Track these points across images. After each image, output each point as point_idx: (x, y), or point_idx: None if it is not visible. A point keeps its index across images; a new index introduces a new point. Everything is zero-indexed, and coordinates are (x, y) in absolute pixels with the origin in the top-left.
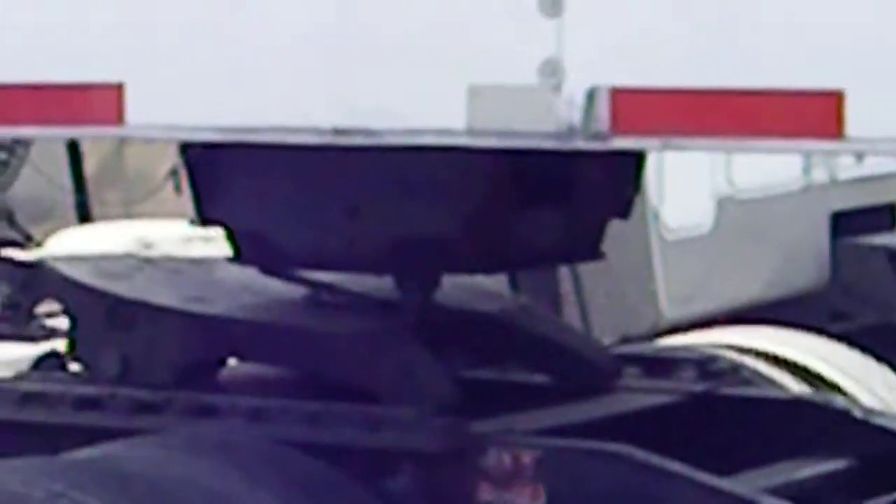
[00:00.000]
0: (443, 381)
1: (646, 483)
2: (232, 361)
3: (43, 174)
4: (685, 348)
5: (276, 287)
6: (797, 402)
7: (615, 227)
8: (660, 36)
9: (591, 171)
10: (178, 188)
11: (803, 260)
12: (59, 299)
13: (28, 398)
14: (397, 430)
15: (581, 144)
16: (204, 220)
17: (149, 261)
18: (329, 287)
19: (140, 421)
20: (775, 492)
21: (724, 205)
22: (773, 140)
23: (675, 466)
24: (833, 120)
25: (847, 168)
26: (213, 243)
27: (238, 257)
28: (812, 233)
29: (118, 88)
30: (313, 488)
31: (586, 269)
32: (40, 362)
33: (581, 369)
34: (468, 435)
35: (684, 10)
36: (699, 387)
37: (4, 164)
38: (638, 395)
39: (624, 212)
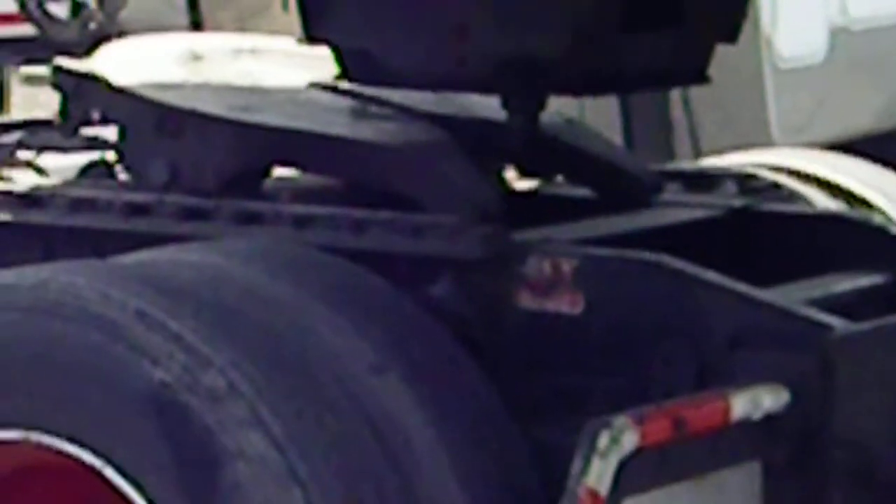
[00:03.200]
0: (486, 191)
1: (684, 292)
2: (278, 171)
3: None
4: (726, 167)
5: (325, 99)
6: (835, 218)
7: (728, 54)
8: None
9: None
10: (285, 6)
11: None
12: (108, 108)
13: (77, 204)
14: (439, 238)
15: None
16: (311, 38)
17: (197, 72)
18: (378, 101)
19: (188, 227)
20: (813, 304)
21: (837, 35)
22: None
23: (713, 276)
24: None
25: None
26: (262, 56)
27: (345, 76)
28: None
29: None
30: (359, 294)
31: (698, 96)
32: (88, 170)
33: (623, 183)
34: (508, 242)
35: None
36: (739, 202)
37: None
38: (678, 209)
39: (732, 35)
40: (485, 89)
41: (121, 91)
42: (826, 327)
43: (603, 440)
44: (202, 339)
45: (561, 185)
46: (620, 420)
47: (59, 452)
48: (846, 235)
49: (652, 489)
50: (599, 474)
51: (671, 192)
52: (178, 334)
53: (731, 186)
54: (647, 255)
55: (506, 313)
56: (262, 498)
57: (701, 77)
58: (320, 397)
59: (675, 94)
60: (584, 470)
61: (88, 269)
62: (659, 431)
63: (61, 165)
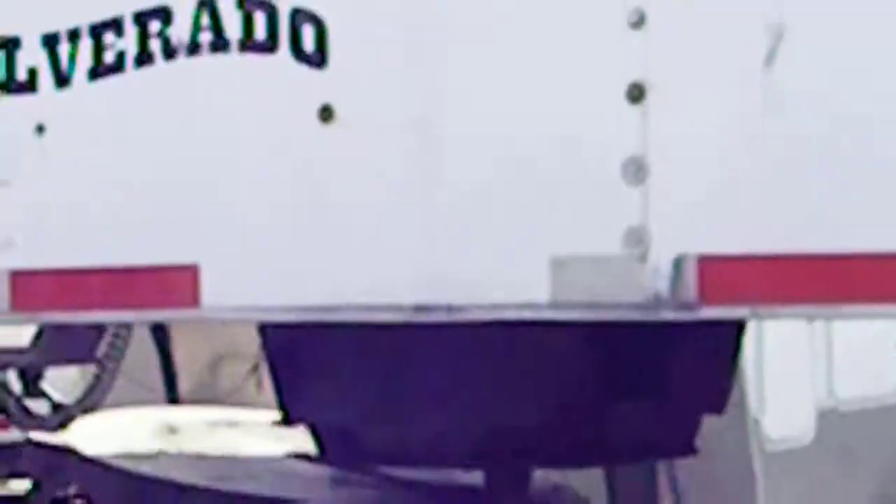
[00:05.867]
0: None
1: None
2: None
3: (134, 381)
4: None
5: (304, 468)
6: None
7: (716, 434)
8: (747, 200)
9: (684, 362)
10: (258, 385)
11: None
12: (80, 481)
13: None
14: None
15: (668, 315)
16: (288, 418)
17: (173, 444)
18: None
19: None
20: None
21: (825, 416)
22: (871, 306)
23: None
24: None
25: None
26: (239, 428)
27: (323, 455)
28: None
29: (193, 270)
30: None
31: (686, 474)
32: None
33: None
34: None
35: (771, 173)
36: None
37: (97, 378)
38: None
39: (718, 407)
40: (467, 463)
41: (92, 462)
42: None
43: None
44: None
45: None
46: None
47: None
48: None
49: None
50: None
51: None
52: None
53: None
54: None
55: None
56: None
57: (688, 450)
58: None
59: (662, 467)
60: None
61: None
62: None
63: None
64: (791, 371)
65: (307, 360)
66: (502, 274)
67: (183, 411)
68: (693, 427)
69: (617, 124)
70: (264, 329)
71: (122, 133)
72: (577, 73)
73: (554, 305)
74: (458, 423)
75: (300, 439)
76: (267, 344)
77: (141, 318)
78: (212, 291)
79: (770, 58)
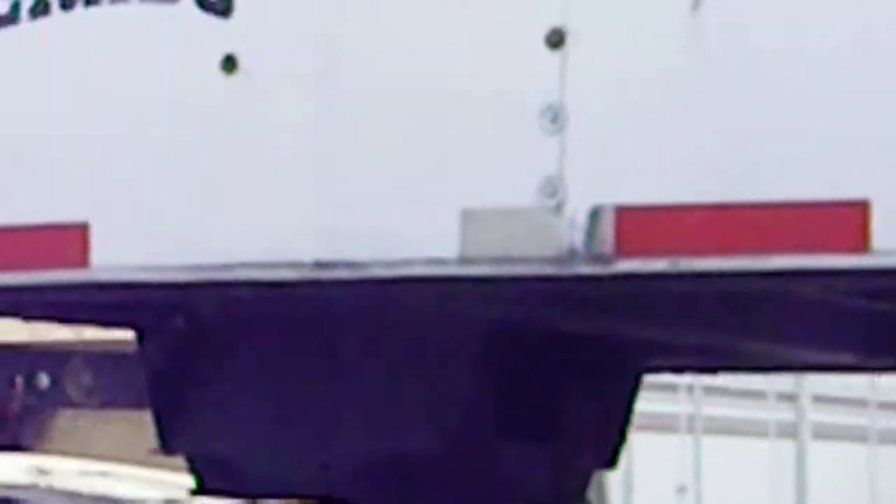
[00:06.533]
0: None
1: None
2: None
3: None
4: None
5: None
6: None
7: None
8: (667, 150)
9: (578, 411)
10: None
11: None
12: None
13: None
14: None
15: (583, 269)
16: (165, 449)
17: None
18: None
19: None
20: None
21: None
22: (793, 256)
23: None
24: (858, 232)
25: None
26: (112, 477)
27: (200, 488)
28: None
29: (83, 228)
30: None
31: None
32: None
33: None
34: None
35: (692, 122)
36: None
37: None
38: None
39: (610, 462)
40: (349, 498)
41: None
42: None
43: None
44: None
45: None
46: None
47: None
48: None
49: None
50: None
51: None
52: None
53: None
54: None
55: None
56: None
57: (579, 500)
58: None
59: None
60: None
61: None
62: None
63: None
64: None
65: (188, 383)
66: (409, 228)
67: (54, 459)
68: (584, 479)
69: (534, 71)
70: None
71: (16, 85)
72: (492, 18)
73: (463, 261)
74: (343, 455)
75: (180, 490)
76: (147, 363)
77: (28, 280)
78: (102, 251)
79: (696, 4)
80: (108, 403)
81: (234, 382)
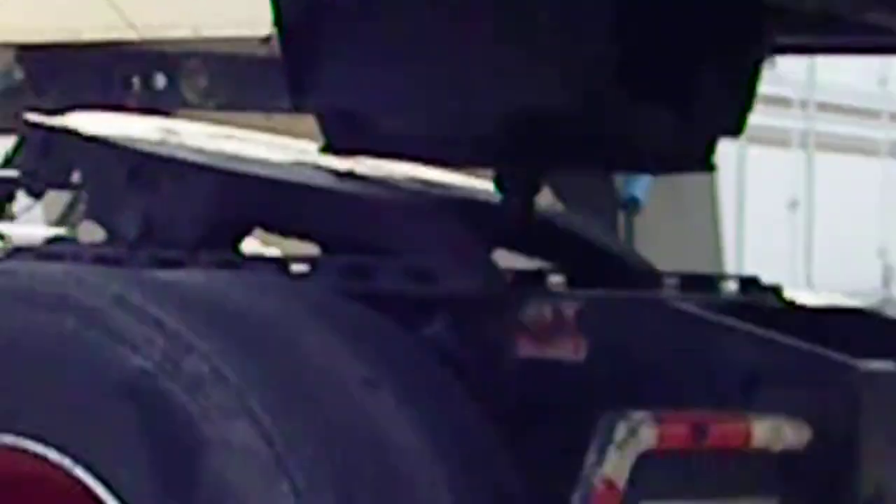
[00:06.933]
0: (482, 260)
1: (694, 333)
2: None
3: None
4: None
5: (310, 168)
6: (846, 312)
7: None
8: None
9: (707, 77)
10: None
11: None
12: (79, 159)
13: (43, 258)
14: (438, 278)
15: None
16: (297, 105)
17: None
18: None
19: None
20: None
21: None
22: None
23: (724, 318)
24: None
25: None
26: (239, 141)
27: (330, 145)
28: None
29: None
30: (352, 317)
31: None
32: (52, 242)
33: (622, 274)
34: (507, 285)
35: None
36: (742, 298)
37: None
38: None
39: (736, 129)
40: (481, 159)
41: (93, 139)
42: (851, 366)
43: (620, 432)
44: (185, 324)
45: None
46: (639, 414)
47: (24, 453)
48: (857, 327)
49: (669, 499)
50: (616, 465)
51: (669, 287)
52: (158, 319)
53: (731, 287)
54: (652, 296)
55: (504, 359)
56: (247, 490)
57: (707, 166)
58: (310, 396)
59: None
60: (600, 460)
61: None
62: (678, 435)
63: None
64: None
65: (322, 37)
66: None
67: (182, 122)
68: (710, 145)
69: None
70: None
71: None
72: None
73: None
74: (477, 112)
75: (307, 156)
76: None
77: None
78: None
79: None
80: (224, 106)
81: (368, 38)
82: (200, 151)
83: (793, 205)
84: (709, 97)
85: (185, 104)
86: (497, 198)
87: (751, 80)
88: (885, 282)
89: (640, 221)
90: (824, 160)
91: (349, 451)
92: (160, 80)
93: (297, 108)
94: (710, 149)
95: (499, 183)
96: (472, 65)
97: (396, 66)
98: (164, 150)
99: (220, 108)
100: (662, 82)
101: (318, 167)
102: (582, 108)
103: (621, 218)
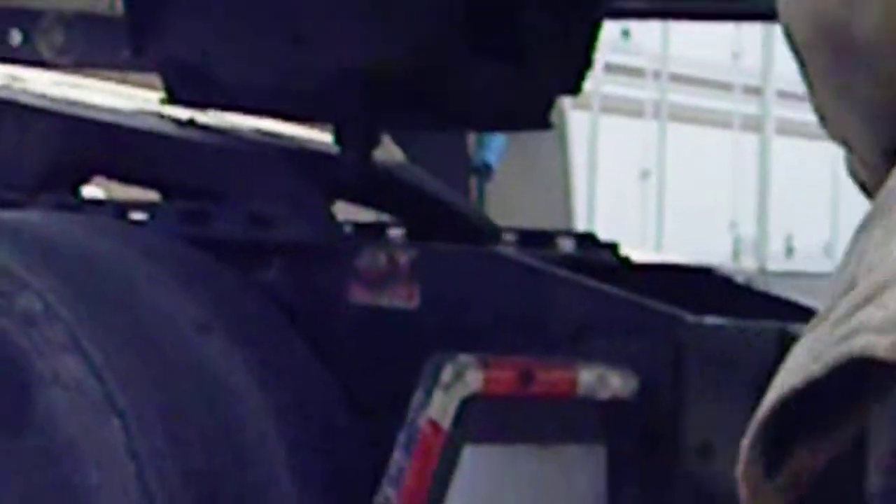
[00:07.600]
0: (319, 208)
1: (525, 284)
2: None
3: None
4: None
5: (153, 116)
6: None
7: None
8: None
9: (543, 36)
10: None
11: None
12: None
13: None
14: (272, 224)
15: None
16: (136, 51)
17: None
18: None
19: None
20: None
21: None
22: None
23: (555, 269)
24: None
25: None
26: (84, 89)
27: (169, 97)
28: None
29: None
30: (185, 259)
31: None
32: None
33: (460, 227)
34: (341, 232)
35: None
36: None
37: None
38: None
39: (573, 88)
40: (318, 111)
41: None
42: (677, 318)
43: (446, 374)
44: (18, 262)
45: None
46: (465, 357)
47: None
48: (695, 285)
49: (494, 443)
50: (442, 407)
51: (507, 243)
52: None
53: (567, 244)
54: (486, 248)
55: (338, 306)
56: (78, 425)
57: (544, 123)
58: (143, 335)
59: None
60: (426, 402)
61: None
62: (504, 380)
63: None
64: None
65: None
66: None
67: (30, 70)
68: (548, 103)
69: None
70: None
71: None
72: None
73: None
74: (314, 64)
75: (146, 101)
76: None
77: None
78: None
79: None
80: (80, 63)
81: None
82: (42, 96)
83: (644, 175)
84: (547, 55)
85: (42, 62)
86: (336, 150)
87: (589, 39)
88: (735, 254)
89: (491, 187)
90: (677, 131)
91: (180, 390)
92: (16, 37)
93: (139, 62)
94: (548, 107)
95: (337, 136)
96: (312, 18)
97: (236, 19)
98: (4, 94)
99: (76, 65)
100: (501, 39)
101: (161, 116)
102: (421, 62)
103: (473, 183)
